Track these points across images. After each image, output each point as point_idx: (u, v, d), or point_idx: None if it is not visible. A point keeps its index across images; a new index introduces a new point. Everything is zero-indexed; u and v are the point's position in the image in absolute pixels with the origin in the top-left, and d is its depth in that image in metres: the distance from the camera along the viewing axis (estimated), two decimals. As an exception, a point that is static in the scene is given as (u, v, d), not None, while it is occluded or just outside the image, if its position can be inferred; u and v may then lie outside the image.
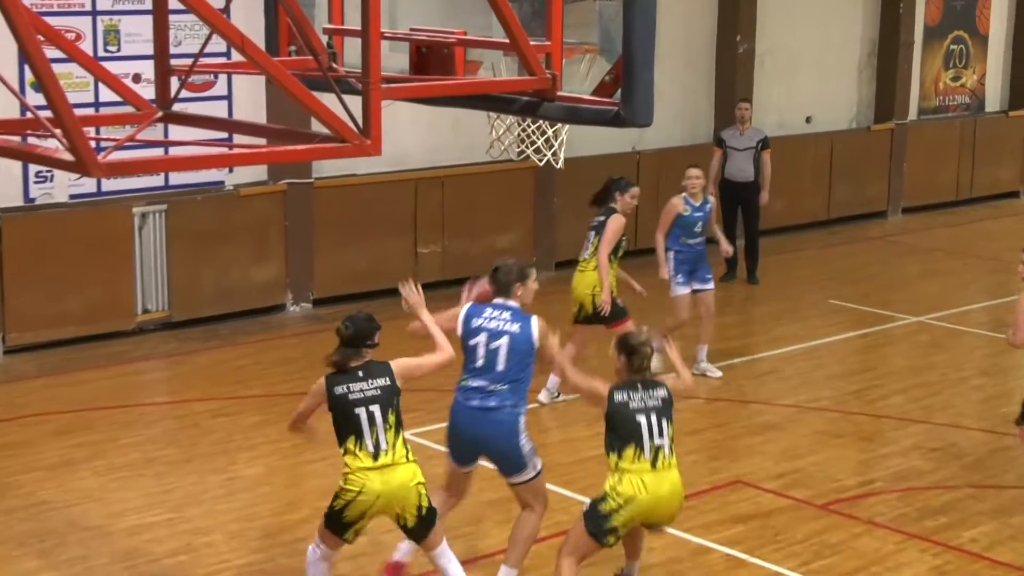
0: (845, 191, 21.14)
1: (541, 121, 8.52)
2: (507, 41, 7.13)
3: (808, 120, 21.00)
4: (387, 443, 7.78)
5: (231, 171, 15.29)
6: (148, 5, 8.14)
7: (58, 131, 5.63)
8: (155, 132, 11.07)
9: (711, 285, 13.54)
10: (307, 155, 7.48)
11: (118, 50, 14.28)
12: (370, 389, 7.79)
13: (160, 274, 14.86)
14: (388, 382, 7.84)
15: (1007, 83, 24.08)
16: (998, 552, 9.79)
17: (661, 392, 8.27)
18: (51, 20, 11.98)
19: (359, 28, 6.29)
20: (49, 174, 13.97)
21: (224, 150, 7.16)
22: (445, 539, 8.17)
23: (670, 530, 9.88)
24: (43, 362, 13.75)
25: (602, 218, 12.50)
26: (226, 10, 6.96)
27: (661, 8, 6.94)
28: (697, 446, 11.91)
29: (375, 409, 7.77)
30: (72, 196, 14.35)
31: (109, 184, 14.31)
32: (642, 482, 8.07)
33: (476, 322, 8.59)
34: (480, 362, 8.50)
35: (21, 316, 13.91)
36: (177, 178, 14.92)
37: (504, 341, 8.47)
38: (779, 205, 19.89)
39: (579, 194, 17.22)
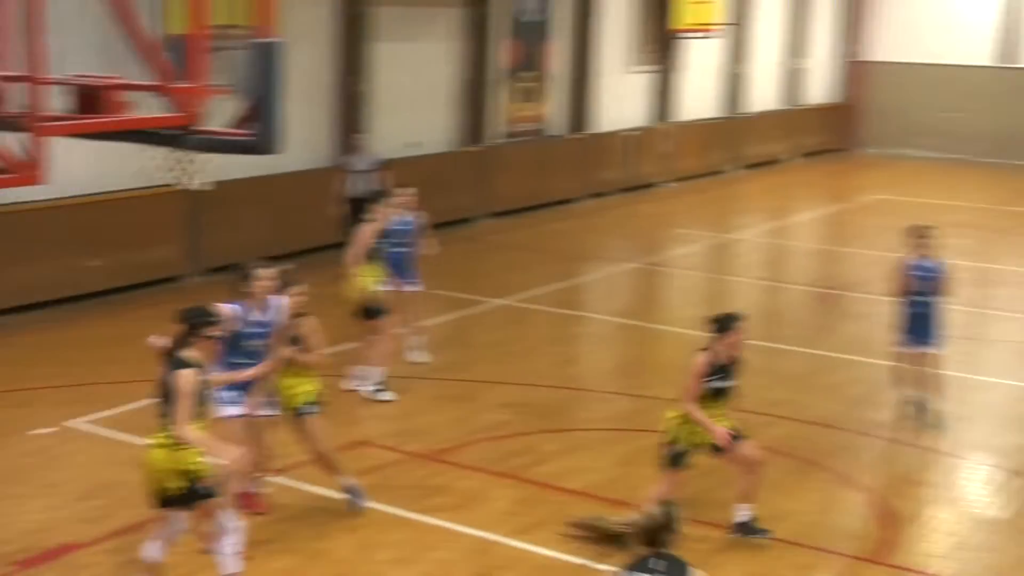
0: (445, 200, 21.51)
1: (188, 151, 8.46)
2: (157, 83, 7.08)
3: (413, 145, 21.26)
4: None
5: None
6: None
7: None
8: None
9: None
10: (-19, 185, 7.21)
11: None
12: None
13: None
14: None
15: (567, 112, 24.98)
16: (567, 481, 10.21)
17: None
18: None
19: (26, 73, 6.13)
20: None
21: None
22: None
23: (301, 485, 9.95)
24: None
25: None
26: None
27: (288, 55, 6.99)
28: (326, 412, 11.96)
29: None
30: None
31: None
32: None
33: None
34: None
35: None
36: None
37: None
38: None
39: (228, 211, 17.12)
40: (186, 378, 7.34)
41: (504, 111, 23.20)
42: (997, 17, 31.53)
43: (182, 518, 7.72)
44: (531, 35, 23.56)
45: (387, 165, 17.73)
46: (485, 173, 22.37)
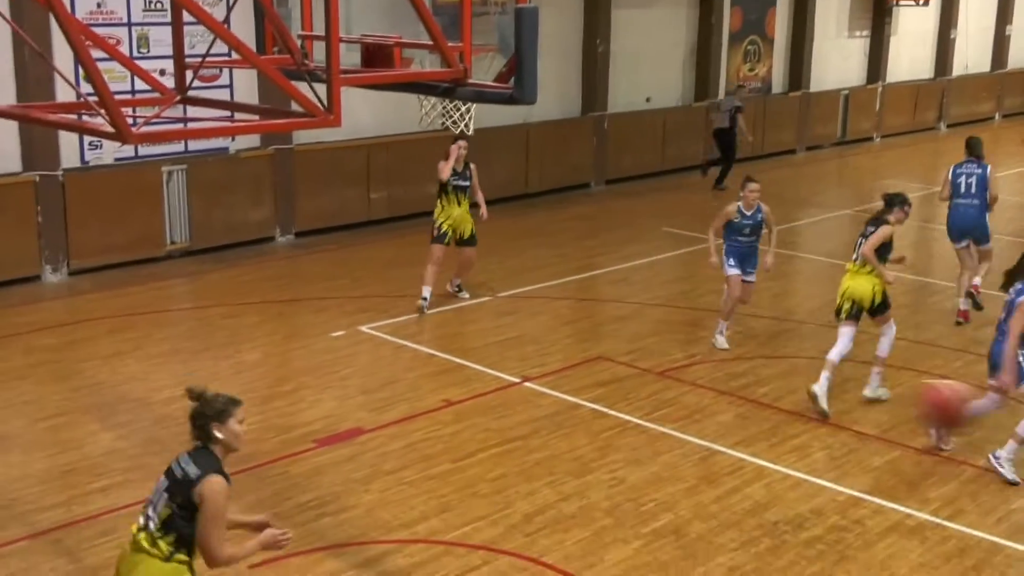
0: (674, 150, 21.18)
1: (457, 101, 8.42)
2: (431, 43, 7.04)
3: (648, 100, 20.98)
4: None
5: (233, 139, 15.05)
6: (170, 18, 7.92)
7: (103, 111, 5.48)
8: (176, 111, 10.83)
9: (753, 278, 11.46)
10: (287, 127, 7.39)
11: (148, 51, 13.93)
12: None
13: (183, 215, 14.62)
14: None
15: (787, 73, 24.20)
16: (782, 403, 9.95)
17: None
18: (98, 30, 11.65)
19: (324, 34, 6.17)
20: (99, 143, 13.66)
21: (227, 124, 7.04)
22: None
23: (552, 392, 9.99)
24: (98, 281, 13.51)
25: (872, 228, 9.79)
26: (227, 20, 6.79)
27: (542, 18, 6.86)
28: (571, 332, 11.99)
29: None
30: (116, 159, 14.06)
31: (144, 150, 14.05)
32: None
33: None
34: None
35: (81, 248, 13.65)
36: (193, 145, 14.69)
37: None
38: (626, 161, 19.95)
39: (489, 154, 17.28)
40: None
41: (729, 72, 22.57)
42: None
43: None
44: (755, 2, 22.83)
45: (741, 110, 19.80)
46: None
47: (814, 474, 8.53)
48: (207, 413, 5.07)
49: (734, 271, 11.32)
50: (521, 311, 12.52)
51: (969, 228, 12.47)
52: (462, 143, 12.11)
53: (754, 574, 7.12)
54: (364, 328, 11.71)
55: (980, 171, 12.40)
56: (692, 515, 7.84)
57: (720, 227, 11.32)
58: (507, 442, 8.97)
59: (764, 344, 11.61)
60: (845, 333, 9.73)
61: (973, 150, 12.53)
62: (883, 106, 26.06)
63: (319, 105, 6.17)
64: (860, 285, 9.71)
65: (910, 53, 27.27)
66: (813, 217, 18.11)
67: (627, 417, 9.54)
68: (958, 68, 28.71)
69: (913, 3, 25.88)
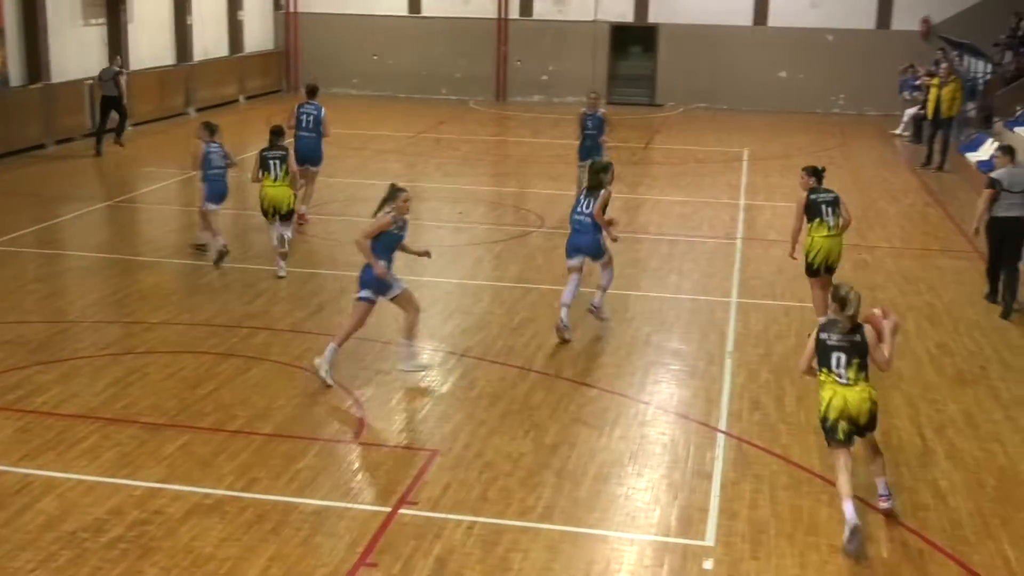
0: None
1: None
2: None
3: None
4: None
5: None
6: None
7: None
8: None
9: None
10: None
11: None
12: None
13: None
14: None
15: (24, 64, 23.19)
16: (64, 408, 9.68)
17: None
18: None
19: None
20: None
21: None
22: None
23: None
24: None
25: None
26: None
27: None
28: None
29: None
30: None
31: None
32: None
33: None
34: None
35: None
36: None
37: None
38: None
39: None
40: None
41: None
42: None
43: None
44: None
45: (122, 74, 22.31)
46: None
47: (107, 474, 8.46)
48: None
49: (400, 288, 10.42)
50: None
51: (306, 155, 16.37)
52: None
53: (59, 589, 6.93)
54: None
55: (316, 111, 16.59)
56: (-19, 544, 7.39)
57: (374, 236, 10.11)
58: None
59: (37, 350, 11.17)
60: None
61: (312, 94, 16.92)
62: (131, 94, 26.05)
63: None
64: None
65: (150, 39, 27.58)
66: (76, 211, 17.69)
67: None
68: (199, 53, 29.62)
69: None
